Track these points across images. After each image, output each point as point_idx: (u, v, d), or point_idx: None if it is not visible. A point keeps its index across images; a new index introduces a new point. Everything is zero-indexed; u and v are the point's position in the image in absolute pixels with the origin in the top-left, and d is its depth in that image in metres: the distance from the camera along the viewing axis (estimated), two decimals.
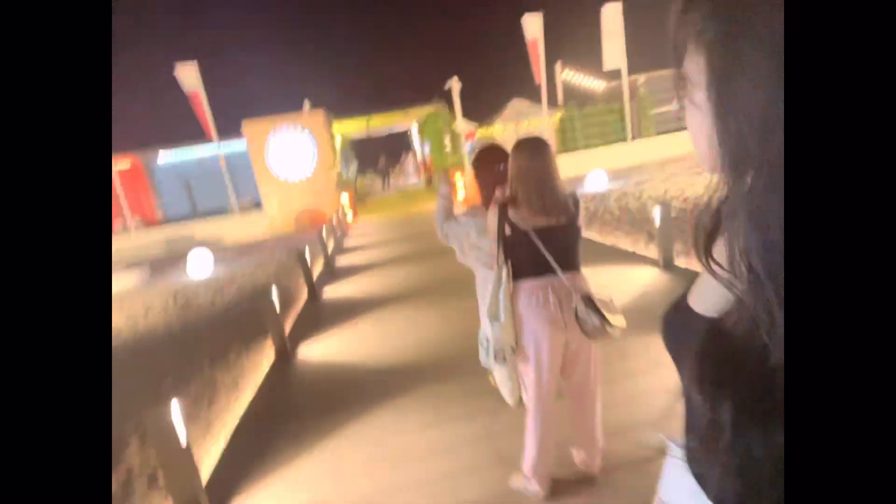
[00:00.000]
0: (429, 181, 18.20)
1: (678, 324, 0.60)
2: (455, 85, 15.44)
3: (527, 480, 1.83)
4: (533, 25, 13.87)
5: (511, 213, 1.66)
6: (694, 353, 0.49)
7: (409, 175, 23.89)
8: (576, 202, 1.70)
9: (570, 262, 1.68)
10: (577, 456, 1.94)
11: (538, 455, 1.78)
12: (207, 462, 2.51)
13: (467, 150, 15.92)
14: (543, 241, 1.63)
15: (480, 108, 19.37)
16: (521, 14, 13.30)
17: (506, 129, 17.37)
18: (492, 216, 1.71)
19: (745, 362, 0.42)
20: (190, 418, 3.16)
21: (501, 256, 1.70)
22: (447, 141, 15.48)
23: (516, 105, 18.48)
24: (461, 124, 15.45)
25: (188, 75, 12.39)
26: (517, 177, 1.65)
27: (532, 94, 16.64)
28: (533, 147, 1.65)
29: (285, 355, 3.75)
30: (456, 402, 2.62)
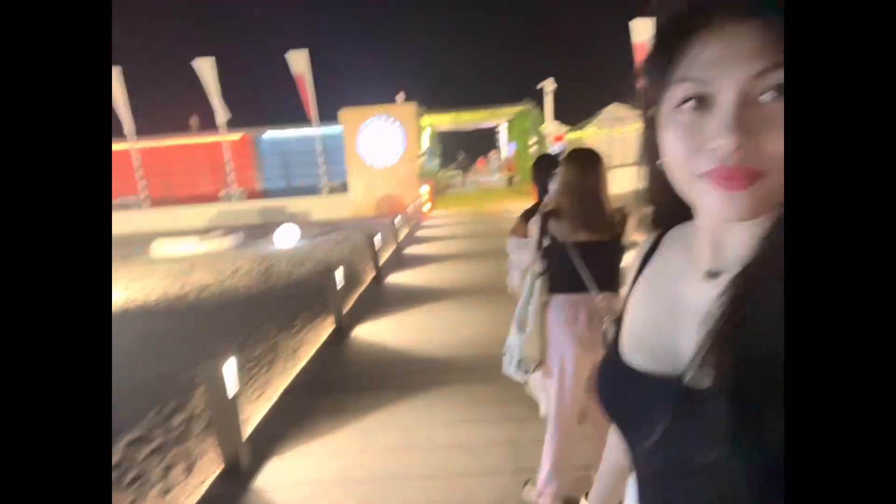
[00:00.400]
0: (510, 181, 18.06)
1: (620, 385, 0.54)
2: (548, 85, 15.13)
3: (538, 496, 1.81)
4: (643, 30, 13.21)
5: (553, 224, 1.64)
6: (659, 422, 0.44)
7: (492, 172, 23.87)
8: (624, 219, 1.64)
9: (608, 282, 1.62)
10: None
11: (552, 473, 1.76)
12: (255, 420, 2.75)
13: (555, 151, 15.53)
14: (582, 257, 1.59)
15: (574, 110, 18.77)
16: (629, 18, 12.69)
17: (599, 134, 16.71)
18: (533, 225, 1.70)
19: (733, 428, 0.37)
20: (250, 378, 3.48)
21: (538, 267, 1.68)
22: (533, 142, 15.24)
23: (615, 110, 17.65)
24: (550, 125, 15.13)
25: (298, 61, 13.37)
26: (563, 188, 1.63)
27: (634, 100, 15.79)
28: (584, 159, 1.61)
29: (341, 332, 3.98)
30: (488, 405, 2.64)
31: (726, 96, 0.37)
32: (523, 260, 1.93)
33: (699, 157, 0.39)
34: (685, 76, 0.40)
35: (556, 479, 1.76)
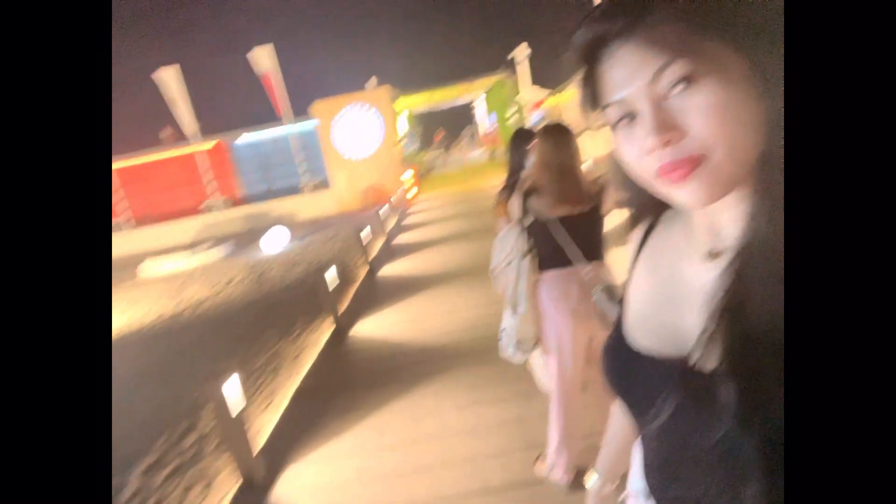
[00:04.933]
0: (491, 155, 17.92)
1: (626, 367, 0.54)
2: (522, 52, 14.88)
3: (550, 469, 1.84)
4: None
5: (533, 201, 1.62)
6: (666, 404, 0.45)
7: (469, 149, 23.64)
8: (600, 189, 1.62)
9: (593, 252, 1.62)
10: None
11: (561, 445, 1.78)
12: (267, 429, 2.76)
13: (535, 120, 15.40)
14: (565, 231, 1.58)
15: (555, 72, 18.52)
16: None
17: (577, 95, 16.55)
18: (514, 204, 1.68)
19: (740, 409, 0.38)
20: (256, 389, 3.48)
21: (524, 246, 1.67)
22: (513, 111, 15.08)
23: None
24: (527, 93, 14.95)
25: (263, 57, 13.01)
26: (540, 165, 1.61)
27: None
28: (556, 135, 1.59)
29: (340, 332, 3.98)
30: (493, 385, 2.66)
31: (641, 106, 0.41)
32: (504, 260, 1.86)
33: (646, 163, 0.42)
34: (609, 101, 0.44)
35: (565, 451, 1.79)
